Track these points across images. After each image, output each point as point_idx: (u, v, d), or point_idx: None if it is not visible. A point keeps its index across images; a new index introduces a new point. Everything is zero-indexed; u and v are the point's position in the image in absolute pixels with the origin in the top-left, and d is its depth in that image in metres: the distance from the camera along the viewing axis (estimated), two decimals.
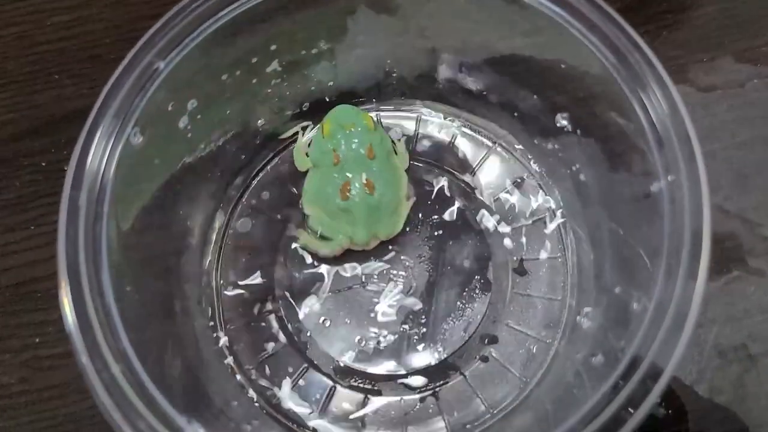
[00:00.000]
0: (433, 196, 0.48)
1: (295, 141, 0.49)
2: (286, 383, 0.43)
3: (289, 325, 0.45)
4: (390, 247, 0.46)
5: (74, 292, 0.33)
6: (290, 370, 0.44)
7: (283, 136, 0.49)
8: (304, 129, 0.49)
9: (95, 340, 0.32)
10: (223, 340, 0.44)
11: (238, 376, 0.43)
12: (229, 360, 0.44)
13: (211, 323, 0.44)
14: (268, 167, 0.49)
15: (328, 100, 0.48)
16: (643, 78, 0.34)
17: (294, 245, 0.46)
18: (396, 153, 0.47)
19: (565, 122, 0.43)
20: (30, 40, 0.53)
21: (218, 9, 0.37)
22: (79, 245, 0.33)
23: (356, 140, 0.44)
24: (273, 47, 0.43)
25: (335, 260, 0.46)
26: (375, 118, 0.46)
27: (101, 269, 0.34)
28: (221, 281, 0.46)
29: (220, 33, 0.38)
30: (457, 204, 0.47)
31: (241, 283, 0.46)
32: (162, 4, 0.53)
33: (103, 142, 0.34)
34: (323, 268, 0.46)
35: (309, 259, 0.46)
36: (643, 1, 0.53)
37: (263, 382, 0.43)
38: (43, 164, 0.49)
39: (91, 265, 0.33)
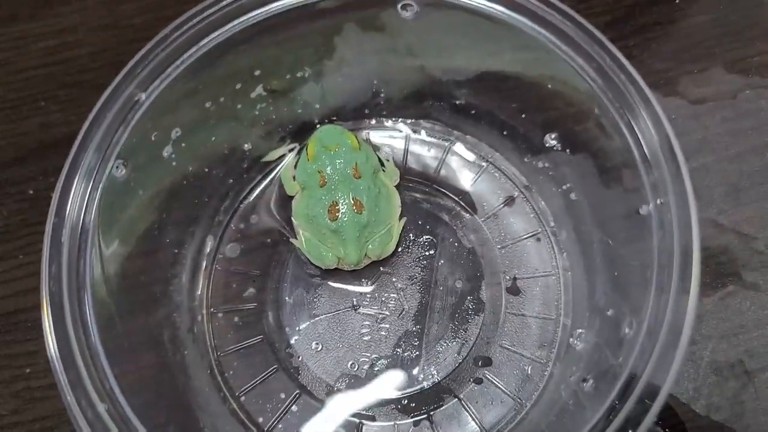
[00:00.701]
0: (423, 216, 0.47)
1: (282, 162, 0.49)
2: (279, 410, 0.43)
3: (281, 351, 0.44)
4: (381, 268, 0.46)
5: (58, 331, 0.33)
6: (282, 396, 0.43)
7: (269, 159, 0.48)
8: (291, 151, 0.49)
9: (80, 377, 0.32)
10: (215, 367, 0.44)
11: (230, 404, 0.43)
12: (221, 387, 0.43)
13: (202, 351, 0.44)
14: (257, 190, 0.48)
15: (316, 121, 0.48)
16: (630, 99, 0.34)
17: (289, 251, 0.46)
18: (384, 171, 0.47)
19: (554, 142, 0.43)
20: (15, 66, 0.53)
21: (199, 38, 0.37)
22: (62, 282, 0.33)
23: (341, 160, 0.44)
24: (257, 73, 0.42)
25: (326, 284, 0.46)
26: (359, 137, 0.46)
27: (85, 306, 0.34)
28: (211, 308, 0.45)
29: (201, 61, 0.38)
30: (448, 223, 0.47)
31: (231, 308, 0.45)
32: (146, 28, 0.53)
33: (85, 178, 0.34)
34: (314, 293, 0.45)
35: (300, 284, 0.46)
36: (632, 13, 0.53)
37: (255, 409, 0.43)
38: (31, 192, 0.49)
39: (75, 302, 0.33)
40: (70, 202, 0.34)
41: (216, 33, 0.37)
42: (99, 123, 0.36)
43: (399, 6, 0.40)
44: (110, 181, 0.35)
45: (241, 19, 0.38)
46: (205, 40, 0.37)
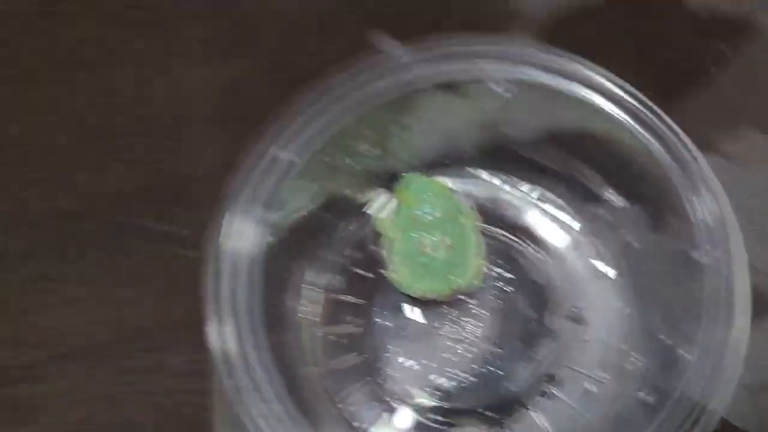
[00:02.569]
0: (500, 254, 0.54)
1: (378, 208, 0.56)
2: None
3: (373, 365, 0.51)
4: (464, 298, 0.53)
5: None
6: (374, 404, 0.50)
7: (367, 206, 0.55)
8: (384, 198, 0.56)
9: None
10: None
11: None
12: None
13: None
14: (350, 228, 0.55)
15: (405, 171, 0.55)
16: (692, 175, 0.42)
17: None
18: (466, 215, 0.54)
19: (613, 197, 0.51)
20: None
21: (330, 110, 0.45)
22: None
23: (429, 205, 0.52)
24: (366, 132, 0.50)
25: (417, 311, 0.53)
26: (442, 184, 0.54)
27: None
28: (316, 330, 0.52)
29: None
30: (519, 260, 0.54)
31: (332, 332, 0.53)
32: None
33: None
34: (406, 320, 0.53)
35: (394, 311, 0.53)
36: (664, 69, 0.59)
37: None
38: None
39: None
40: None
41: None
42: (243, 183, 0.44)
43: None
44: None
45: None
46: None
